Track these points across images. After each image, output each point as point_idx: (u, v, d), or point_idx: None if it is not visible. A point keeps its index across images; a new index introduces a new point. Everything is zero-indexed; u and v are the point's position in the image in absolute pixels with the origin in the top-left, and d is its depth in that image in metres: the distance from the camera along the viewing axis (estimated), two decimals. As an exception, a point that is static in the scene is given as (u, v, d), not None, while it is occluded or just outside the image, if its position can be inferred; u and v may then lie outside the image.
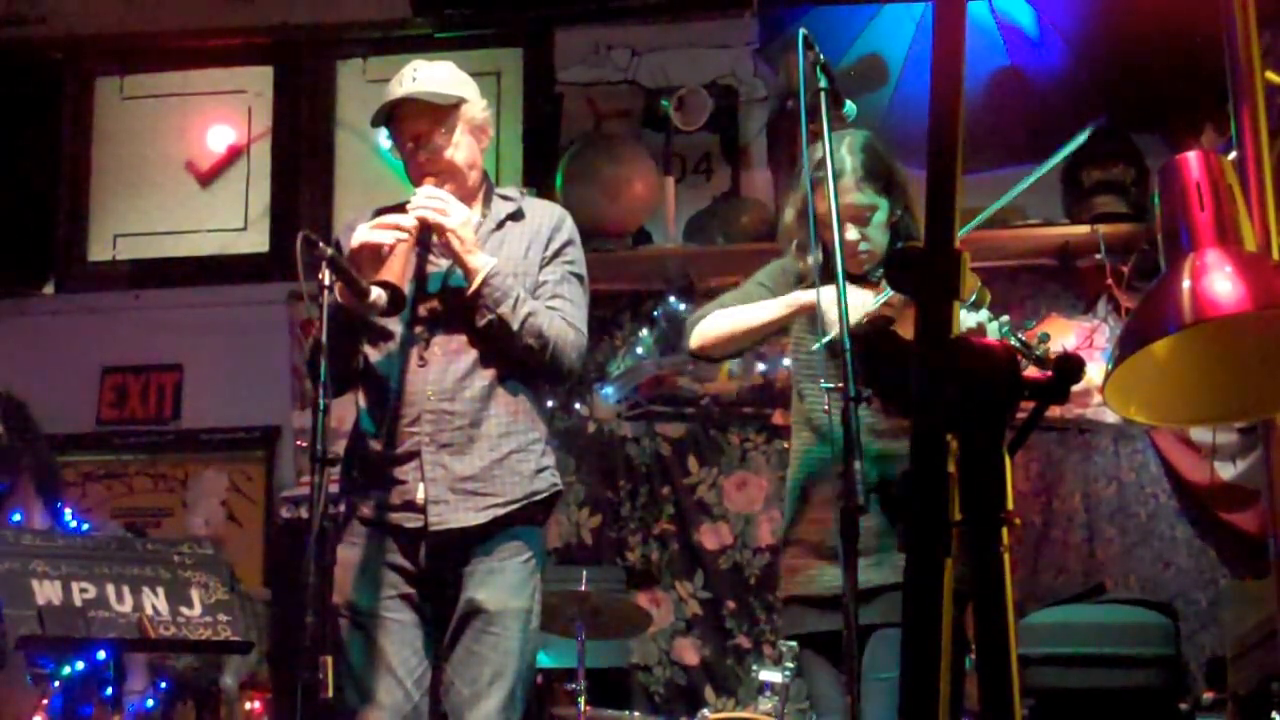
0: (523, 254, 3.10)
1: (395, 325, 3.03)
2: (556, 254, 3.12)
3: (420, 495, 2.95)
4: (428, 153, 3.05)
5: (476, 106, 3.12)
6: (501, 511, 2.97)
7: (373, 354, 3.06)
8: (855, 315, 2.79)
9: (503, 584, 2.95)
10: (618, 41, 5.70)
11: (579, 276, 3.16)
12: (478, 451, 2.97)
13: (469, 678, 2.92)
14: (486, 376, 3.01)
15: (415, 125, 3.05)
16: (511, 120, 5.79)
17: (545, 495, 3.05)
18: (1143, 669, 4.44)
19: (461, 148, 3.08)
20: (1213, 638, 4.81)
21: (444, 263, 3.06)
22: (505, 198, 3.19)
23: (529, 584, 3.00)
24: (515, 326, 2.96)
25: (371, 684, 2.92)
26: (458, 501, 2.95)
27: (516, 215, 3.15)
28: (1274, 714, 3.79)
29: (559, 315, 3.04)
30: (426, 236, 3.01)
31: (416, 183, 3.06)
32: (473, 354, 3.01)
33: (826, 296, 2.82)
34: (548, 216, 3.17)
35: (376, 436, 3.02)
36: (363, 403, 3.08)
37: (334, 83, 6.00)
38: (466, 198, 3.07)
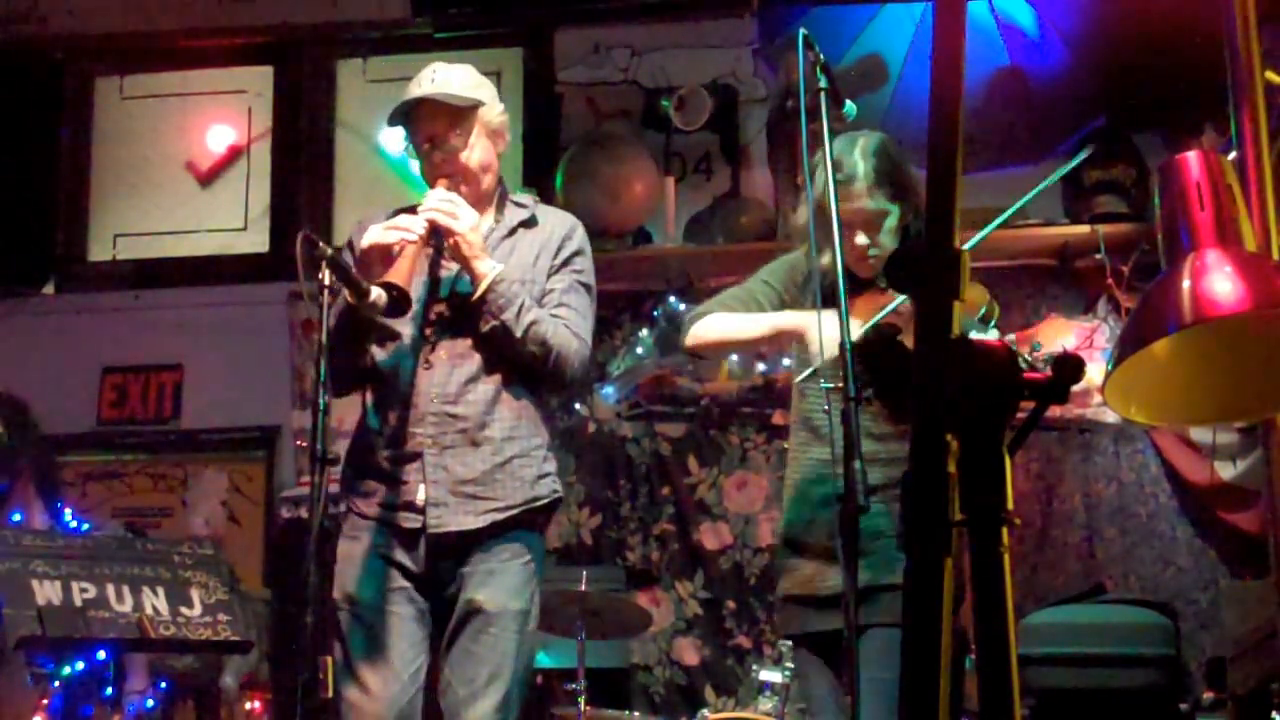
0: (532, 261, 3.11)
1: (404, 327, 3.03)
2: (566, 262, 3.13)
3: (421, 497, 2.97)
4: (443, 154, 3.06)
5: (494, 110, 3.13)
6: (500, 516, 2.98)
7: (379, 354, 3.06)
8: (831, 345, 2.76)
9: (502, 585, 2.96)
10: (618, 41, 5.70)
11: (587, 286, 3.16)
12: (480, 455, 2.98)
13: (466, 677, 2.93)
14: (492, 381, 3.01)
15: (431, 126, 3.06)
16: (511, 120, 5.76)
17: (546, 501, 3.06)
18: (1143, 669, 4.44)
19: (477, 150, 3.09)
20: (1213, 638, 4.80)
21: (455, 266, 3.06)
22: (519, 204, 3.20)
23: (528, 587, 3.00)
24: (519, 333, 2.96)
25: (370, 676, 2.93)
26: (457, 504, 2.96)
27: (530, 222, 3.17)
28: (1274, 714, 3.79)
29: (563, 324, 3.04)
30: (438, 240, 3.01)
31: (431, 184, 3.06)
32: (478, 358, 3.01)
33: (811, 323, 2.82)
34: (560, 225, 3.18)
35: (381, 436, 3.03)
36: (369, 402, 3.09)
37: (334, 83, 6.00)
38: (480, 201, 3.08)
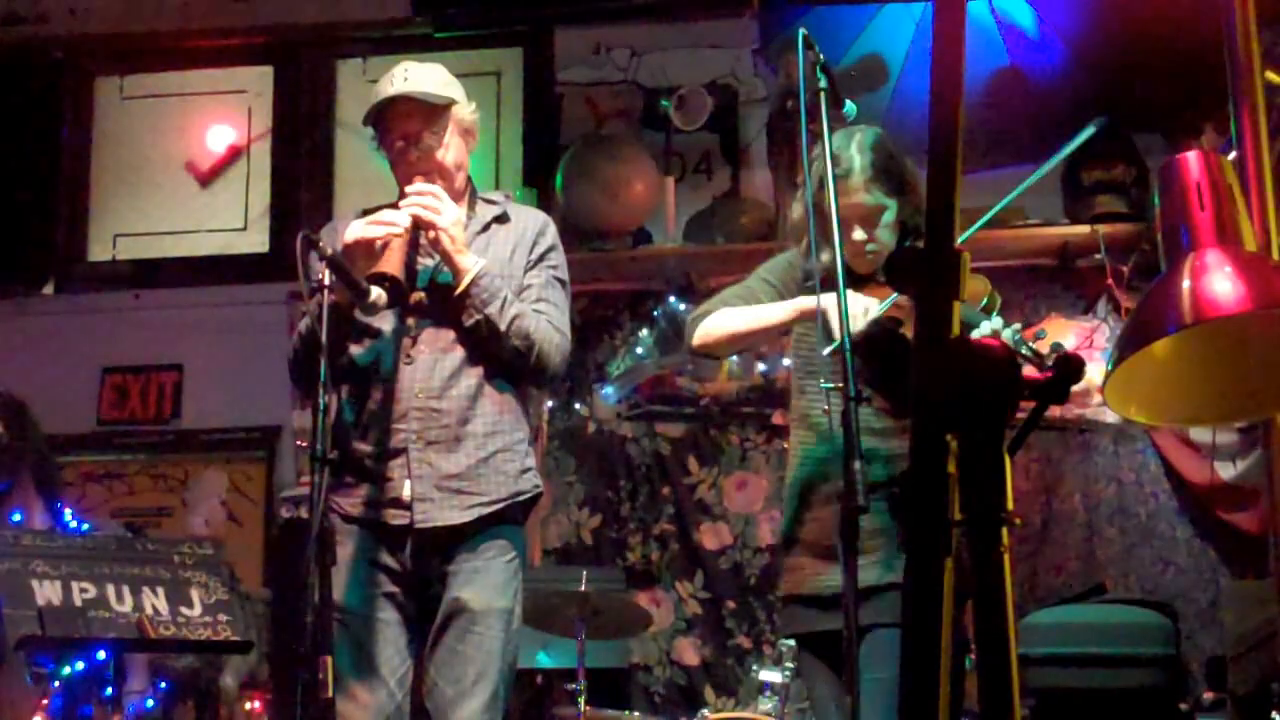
0: (508, 256, 3.11)
1: (384, 322, 3.04)
2: (541, 258, 3.14)
3: (406, 493, 2.97)
4: (419, 151, 3.06)
5: (466, 109, 3.13)
6: (486, 511, 2.99)
7: (357, 350, 3.06)
8: (859, 319, 2.78)
9: (487, 583, 2.97)
10: (618, 41, 5.70)
11: (562, 281, 3.18)
12: (464, 450, 2.98)
13: (453, 677, 2.93)
14: (474, 375, 3.02)
15: (407, 124, 3.05)
16: (511, 120, 5.79)
17: (529, 496, 3.08)
18: (1143, 669, 4.44)
19: (451, 148, 3.09)
20: (1213, 638, 4.81)
21: (430, 260, 3.06)
22: (489, 201, 3.21)
23: (512, 584, 3.01)
24: (503, 327, 2.97)
25: (355, 683, 2.93)
26: (443, 499, 2.96)
27: (502, 218, 3.17)
28: (1274, 714, 3.79)
29: (544, 318, 3.05)
30: (416, 234, 3.01)
31: (404, 182, 3.06)
32: (460, 352, 3.02)
33: (831, 302, 2.78)
34: (533, 221, 3.19)
35: (362, 433, 3.03)
36: (347, 399, 3.09)
37: (334, 83, 6.00)
38: (455, 198, 3.07)
